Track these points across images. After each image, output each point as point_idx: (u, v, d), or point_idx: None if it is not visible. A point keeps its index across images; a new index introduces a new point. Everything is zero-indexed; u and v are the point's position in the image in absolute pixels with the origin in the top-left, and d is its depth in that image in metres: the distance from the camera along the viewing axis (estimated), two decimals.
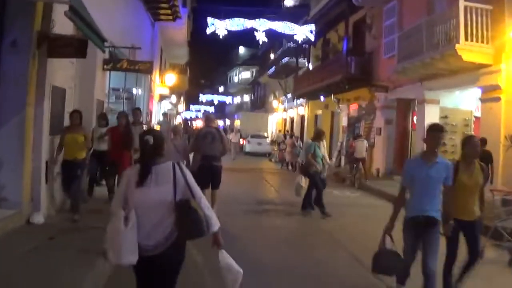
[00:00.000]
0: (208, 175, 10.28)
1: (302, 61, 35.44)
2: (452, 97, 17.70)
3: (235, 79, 75.13)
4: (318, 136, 12.85)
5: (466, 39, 13.53)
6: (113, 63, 13.34)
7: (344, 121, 26.86)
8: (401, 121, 20.67)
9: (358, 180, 18.58)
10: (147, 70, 14.05)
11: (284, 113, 43.78)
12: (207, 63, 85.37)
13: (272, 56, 46.06)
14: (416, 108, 18.58)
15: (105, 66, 13.11)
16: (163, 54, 29.16)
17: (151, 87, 21.74)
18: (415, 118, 20.05)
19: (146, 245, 3.74)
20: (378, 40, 22.10)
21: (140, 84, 20.40)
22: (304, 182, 12.43)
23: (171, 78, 26.54)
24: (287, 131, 40.75)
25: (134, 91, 19.75)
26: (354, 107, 25.49)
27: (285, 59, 37.59)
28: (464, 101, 17.82)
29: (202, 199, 3.95)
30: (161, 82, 26.42)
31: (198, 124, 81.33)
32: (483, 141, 11.57)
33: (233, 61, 78.23)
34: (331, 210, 12.04)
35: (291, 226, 11.20)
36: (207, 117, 12.01)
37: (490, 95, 13.80)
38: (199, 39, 56.25)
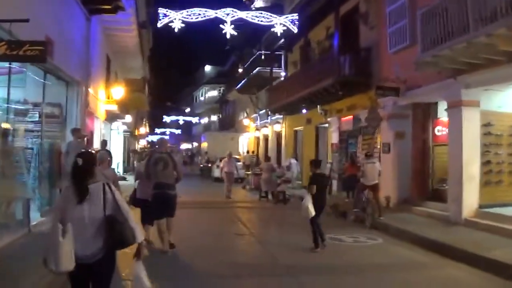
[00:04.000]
0: (163, 205, 9.64)
1: (276, 70, 30.51)
2: (495, 97, 12.92)
3: (202, 99, 70.96)
4: None
5: None
6: None
7: (334, 138, 21.73)
8: (419, 133, 15.66)
9: (370, 216, 13.43)
10: (39, 56, 8.42)
11: (256, 132, 38.68)
12: (172, 84, 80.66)
13: (240, 70, 41.08)
14: (447, 113, 13.48)
15: None
16: (111, 65, 23.79)
17: (87, 102, 16.28)
18: (437, 129, 15.18)
19: (84, 255, 4.22)
20: (378, 31, 17.24)
21: (73, 98, 15.10)
22: None
23: (118, 91, 21.13)
24: (253, 153, 36.68)
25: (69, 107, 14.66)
26: (347, 119, 20.42)
27: (257, 69, 32.50)
28: (509, 102, 13.07)
29: (129, 214, 4.45)
30: (108, 97, 21.02)
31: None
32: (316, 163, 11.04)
33: (199, 81, 74.12)
34: (356, 280, 7.52)
35: None
36: (160, 141, 11.21)
37: None
38: (162, 58, 52.05)
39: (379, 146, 17.09)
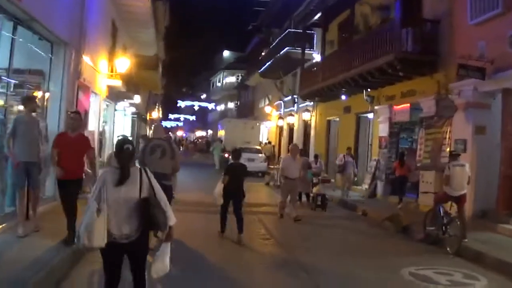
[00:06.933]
0: None
1: (308, 52, 26.74)
2: None
3: (219, 85, 67.72)
4: None
5: None
6: None
7: (382, 130, 18.01)
8: (508, 128, 11.98)
9: (454, 239, 9.71)
10: None
11: (279, 120, 35.02)
12: (188, 68, 77.18)
13: (264, 53, 37.40)
14: None
15: None
16: (118, 35, 20.20)
17: (79, 70, 12.72)
18: None
19: (119, 234, 4.38)
20: None
21: (58, 64, 11.56)
22: None
23: (124, 63, 17.47)
24: (269, 143, 34.35)
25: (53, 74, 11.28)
26: (402, 107, 16.66)
27: (285, 49, 28.75)
28: None
29: (163, 198, 4.62)
30: (111, 71, 17.44)
31: (178, 134, 75.26)
32: None
33: (216, 66, 70.89)
34: None
35: None
36: (156, 126, 10.15)
37: None
38: (178, 39, 48.91)
39: (448, 143, 13.45)
